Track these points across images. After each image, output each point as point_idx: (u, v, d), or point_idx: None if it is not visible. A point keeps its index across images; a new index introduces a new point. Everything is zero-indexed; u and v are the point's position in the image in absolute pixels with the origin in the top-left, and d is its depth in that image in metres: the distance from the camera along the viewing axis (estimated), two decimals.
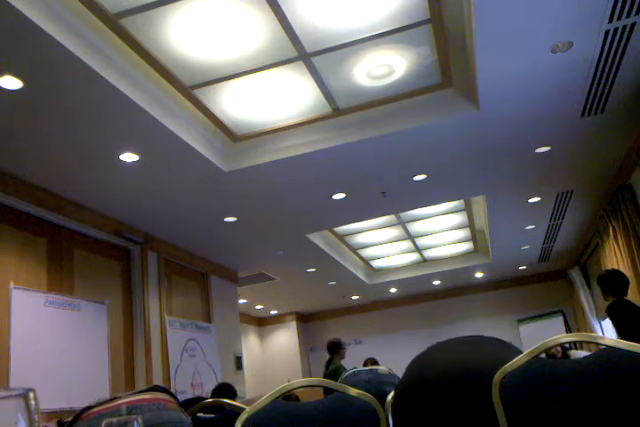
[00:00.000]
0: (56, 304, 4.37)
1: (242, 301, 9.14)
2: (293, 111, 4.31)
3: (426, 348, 1.83)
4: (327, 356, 6.29)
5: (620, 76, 3.92)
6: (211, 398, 4.59)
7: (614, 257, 6.37)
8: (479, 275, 9.99)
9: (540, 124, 4.43)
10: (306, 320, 11.74)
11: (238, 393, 5.61)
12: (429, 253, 9.04)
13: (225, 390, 4.64)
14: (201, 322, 6.46)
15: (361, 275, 9.03)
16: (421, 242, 8.35)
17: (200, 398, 4.76)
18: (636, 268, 5.60)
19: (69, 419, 1.32)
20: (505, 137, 4.60)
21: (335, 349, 6.18)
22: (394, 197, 5.69)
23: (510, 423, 1.46)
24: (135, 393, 1.22)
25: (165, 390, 1.27)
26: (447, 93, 4.20)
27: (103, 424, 1.15)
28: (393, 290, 10.47)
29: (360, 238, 7.86)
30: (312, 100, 4.19)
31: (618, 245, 6.18)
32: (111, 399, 1.18)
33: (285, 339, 11.32)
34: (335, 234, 7.53)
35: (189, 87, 3.86)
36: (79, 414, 1.17)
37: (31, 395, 2.01)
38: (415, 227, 7.60)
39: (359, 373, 3.73)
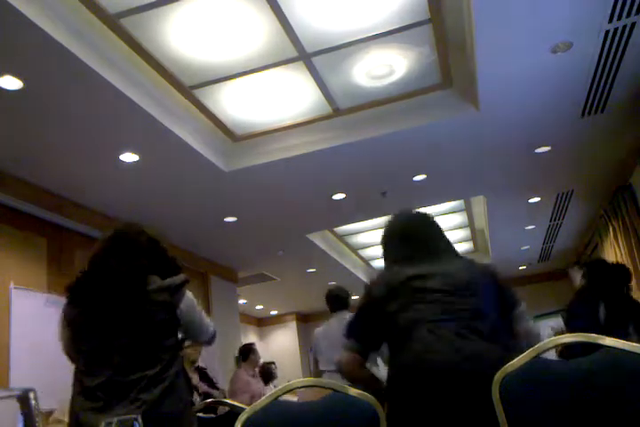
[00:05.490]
0: (56, 304, 4.36)
1: (242, 301, 9.14)
2: (293, 111, 4.30)
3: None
4: None
5: (620, 76, 3.92)
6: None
7: (614, 257, 6.37)
8: None
9: (540, 124, 4.43)
10: (306, 320, 11.74)
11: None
12: None
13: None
14: None
15: (361, 275, 9.02)
16: None
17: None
18: (636, 267, 5.61)
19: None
20: (505, 137, 4.60)
21: None
22: (394, 197, 5.68)
23: (510, 423, 1.46)
24: None
25: None
26: (447, 93, 4.19)
27: (103, 424, 1.15)
28: None
29: (360, 238, 7.86)
30: (312, 100, 4.19)
31: (618, 244, 6.18)
32: None
33: (285, 339, 11.31)
34: (335, 234, 7.52)
35: (189, 87, 3.86)
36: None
37: (31, 395, 1.99)
38: None
39: None
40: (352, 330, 1.88)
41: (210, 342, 2.08)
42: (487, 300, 1.76)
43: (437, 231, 2.02)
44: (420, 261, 1.84)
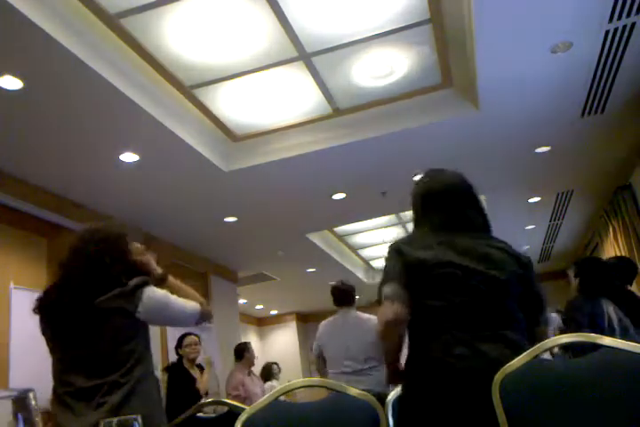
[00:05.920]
0: None
1: (242, 301, 9.14)
2: (294, 111, 4.30)
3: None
4: None
5: (620, 76, 3.92)
6: None
7: None
8: None
9: (540, 124, 4.43)
10: (306, 320, 11.74)
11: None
12: None
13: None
14: None
15: (361, 275, 9.02)
16: None
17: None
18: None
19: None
20: (505, 137, 4.60)
21: None
22: (394, 197, 5.68)
23: (510, 423, 1.46)
24: None
25: None
26: (447, 93, 4.19)
27: (103, 424, 1.15)
28: None
29: (360, 238, 7.86)
30: (312, 100, 4.19)
31: (618, 244, 6.18)
32: None
33: (285, 339, 11.31)
34: (335, 234, 7.52)
35: (189, 87, 3.86)
36: None
37: (31, 395, 2.00)
38: None
39: None
40: (391, 274, 1.69)
41: (199, 322, 2.01)
42: (518, 301, 1.66)
43: (476, 199, 1.91)
44: (456, 239, 1.71)
